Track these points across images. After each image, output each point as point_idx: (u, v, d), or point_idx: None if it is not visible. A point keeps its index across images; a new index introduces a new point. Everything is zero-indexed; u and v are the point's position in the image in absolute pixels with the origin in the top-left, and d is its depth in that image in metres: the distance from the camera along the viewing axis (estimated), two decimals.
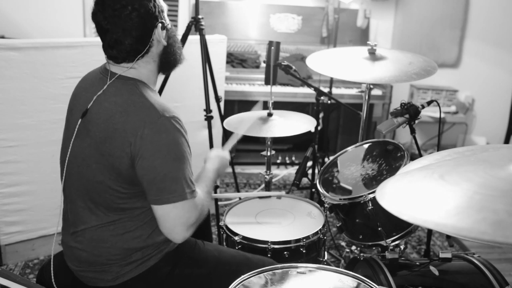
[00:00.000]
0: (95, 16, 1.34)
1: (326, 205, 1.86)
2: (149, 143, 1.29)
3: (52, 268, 1.44)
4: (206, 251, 1.55)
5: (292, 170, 3.84)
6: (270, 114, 2.04)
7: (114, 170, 1.33)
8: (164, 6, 1.42)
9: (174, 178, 1.31)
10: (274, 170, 3.67)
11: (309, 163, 2.80)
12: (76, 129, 1.38)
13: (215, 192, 2.42)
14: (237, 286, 1.25)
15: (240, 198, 2.09)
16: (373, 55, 2.10)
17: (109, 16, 1.31)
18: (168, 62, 1.47)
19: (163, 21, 1.38)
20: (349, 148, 2.04)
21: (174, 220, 1.32)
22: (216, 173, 1.58)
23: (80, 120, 1.38)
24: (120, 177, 1.33)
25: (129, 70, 1.38)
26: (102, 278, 1.42)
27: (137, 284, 1.43)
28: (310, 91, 2.56)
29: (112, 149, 1.31)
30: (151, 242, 1.43)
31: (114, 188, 1.35)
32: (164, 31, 1.40)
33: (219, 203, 2.73)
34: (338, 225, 1.90)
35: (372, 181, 1.84)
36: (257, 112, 2.07)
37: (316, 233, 1.74)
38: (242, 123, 1.96)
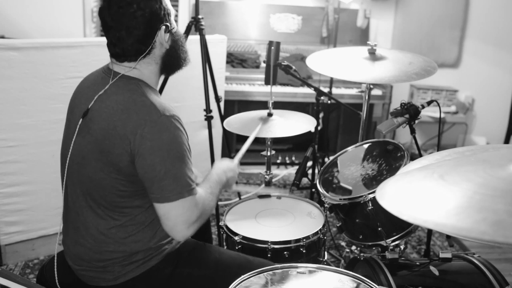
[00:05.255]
0: (101, 12, 1.35)
1: (326, 205, 1.86)
2: (149, 142, 1.29)
3: (55, 267, 1.44)
4: (207, 253, 1.55)
5: (292, 170, 3.84)
6: (270, 114, 2.04)
7: (114, 167, 1.33)
8: (172, 10, 1.42)
9: (174, 176, 1.32)
10: (274, 170, 3.67)
11: (309, 163, 2.79)
12: (77, 128, 1.39)
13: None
14: (237, 287, 1.25)
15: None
16: (373, 55, 2.10)
17: (114, 13, 1.32)
18: (170, 65, 1.48)
19: (167, 24, 1.39)
20: (349, 148, 2.04)
21: (176, 218, 1.33)
22: (222, 175, 1.58)
23: (81, 120, 1.38)
24: (120, 174, 1.34)
25: (131, 70, 1.39)
26: (103, 277, 1.42)
27: (138, 284, 1.43)
28: (310, 91, 2.56)
29: (112, 146, 1.32)
30: (153, 244, 1.44)
31: (114, 185, 1.35)
32: (168, 34, 1.41)
33: (219, 203, 2.73)
34: (338, 225, 1.90)
35: (372, 181, 1.84)
36: (259, 117, 2.03)
37: (316, 233, 1.74)
38: (247, 128, 1.94)
